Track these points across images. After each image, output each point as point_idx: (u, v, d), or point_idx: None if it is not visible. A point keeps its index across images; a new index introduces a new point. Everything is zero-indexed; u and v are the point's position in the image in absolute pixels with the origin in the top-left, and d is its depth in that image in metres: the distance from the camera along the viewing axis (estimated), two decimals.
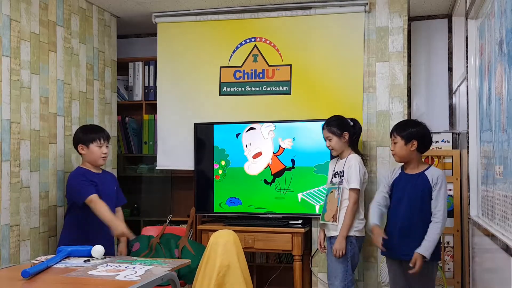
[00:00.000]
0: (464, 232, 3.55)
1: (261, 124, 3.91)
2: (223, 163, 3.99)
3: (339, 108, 3.85)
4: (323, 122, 3.42)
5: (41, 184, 3.34)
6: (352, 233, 3.26)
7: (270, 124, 3.90)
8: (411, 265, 2.83)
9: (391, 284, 3.08)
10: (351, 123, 3.43)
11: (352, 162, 3.33)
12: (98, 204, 3.03)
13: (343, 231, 3.23)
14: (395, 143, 3.02)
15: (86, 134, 3.26)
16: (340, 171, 3.37)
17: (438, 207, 2.89)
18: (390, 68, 3.83)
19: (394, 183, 3.05)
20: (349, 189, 3.28)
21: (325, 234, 3.42)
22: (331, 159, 3.58)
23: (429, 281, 2.93)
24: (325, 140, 3.41)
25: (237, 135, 3.95)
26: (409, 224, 2.92)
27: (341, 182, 3.33)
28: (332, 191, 3.38)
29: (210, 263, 2.93)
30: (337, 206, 3.29)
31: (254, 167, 3.92)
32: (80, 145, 3.26)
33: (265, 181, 3.88)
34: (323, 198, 3.53)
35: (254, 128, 3.93)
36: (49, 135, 3.44)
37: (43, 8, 3.41)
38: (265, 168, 3.89)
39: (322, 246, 3.45)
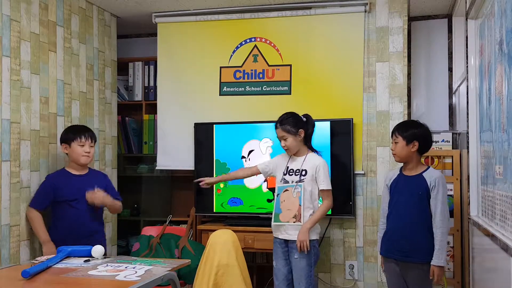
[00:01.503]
0: (464, 232, 3.55)
1: (259, 140, 3.90)
2: None
3: (339, 108, 3.86)
4: (275, 122, 3.22)
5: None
6: (314, 237, 3.13)
7: (268, 140, 3.89)
8: (430, 277, 2.87)
9: (389, 285, 3.08)
10: (304, 119, 3.23)
11: (318, 162, 3.17)
12: (32, 218, 3.18)
13: (309, 224, 3.06)
14: (396, 143, 3.00)
15: (68, 133, 3.30)
16: (299, 169, 3.17)
17: (437, 211, 2.88)
18: (390, 68, 3.83)
19: (392, 184, 3.05)
20: (322, 190, 3.14)
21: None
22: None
23: (427, 283, 2.92)
24: (280, 140, 3.22)
25: (242, 157, 3.95)
26: (409, 226, 2.92)
27: (301, 181, 3.14)
28: (287, 190, 3.17)
29: (209, 262, 2.93)
30: (300, 205, 3.11)
31: (253, 181, 3.90)
32: (63, 144, 3.30)
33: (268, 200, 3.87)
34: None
35: (254, 150, 3.93)
36: (49, 135, 3.44)
37: (43, 8, 3.41)
38: (263, 181, 3.89)
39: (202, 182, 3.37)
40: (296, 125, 3.17)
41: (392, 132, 3.05)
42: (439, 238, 2.87)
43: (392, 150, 3.05)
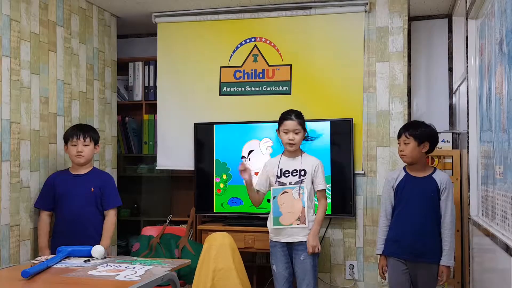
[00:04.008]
0: (464, 232, 3.55)
1: (259, 140, 3.90)
2: (224, 176, 3.98)
3: (339, 108, 3.86)
4: (288, 113, 3.17)
5: (41, 184, 3.33)
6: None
7: (268, 140, 3.89)
8: (439, 278, 2.91)
9: (394, 285, 3.07)
10: None
11: (316, 161, 3.16)
12: (38, 222, 3.25)
13: (318, 227, 3.10)
14: (406, 143, 2.97)
15: (66, 134, 3.32)
16: (296, 170, 3.15)
17: (447, 213, 2.91)
18: (390, 68, 3.83)
19: (399, 186, 3.02)
20: (320, 190, 3.14)
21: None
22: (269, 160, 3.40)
23: (434, 282, 2.94)
24: (286, 132, 3.14)
25: (242, 157, 3.94)
26: (422, 227, 2.92)
27: (302, 181, 3.12)
28: (285, 192, 3.14)
29: (205, 267, 2.91)
30: (303, 207, 3.07)
31: (253, 181, 3.90)
32: (64, 145, 3.32)
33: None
34: None
35: (254, 150, 3.93)
36: (49, 135, 3.44)
37: (43, 8, 3.41)
38: None
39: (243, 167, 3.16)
40: (304, 124, 3.19)
41: (401, 133, 3.02)
42: (449, 238, 2.90)
43: (401, 151, 3.00)
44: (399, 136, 3.03)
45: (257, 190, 3.28)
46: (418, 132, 2.96)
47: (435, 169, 3.01)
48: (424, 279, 2.93)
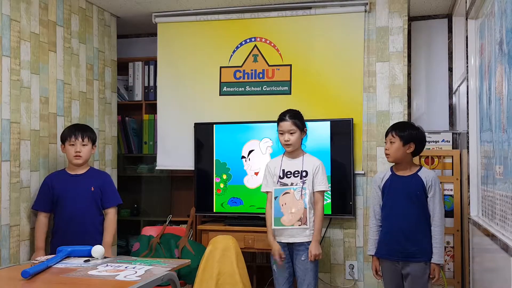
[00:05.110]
0: (464, 232, 3.55)
1: (259, 140, 3.90)
2: (224, 176, 3.98)
3: (339, 108, 3.86)
4: (283, 114, 3.17)
5: (41, 184, 3.33)
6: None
7: (268, 140, 3.89)
8: (431, 276, 2.89)
9: (386, 285, 3.07)
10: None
11: (317, 163, 3.15)
12: (36, 223, 3.23)
13: (318, 236, 3.08)
14: (391, 142, 2.98)
15: (63, 133, 3.30)
16: (298, 171, 3.14)
17: (436, 211, 2.90)
18: (390, 68, 3.83)
19: (385, 186, 3.03)
20: (318, 191, 3.12)
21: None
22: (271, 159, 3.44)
23: (425, 282, 2.93)
24: (281, 133, 3.14)
25: (242, 157, 3.94)
26: (410, 226, 2.91)
27: (304, 182, 3.11)
28: (287, 192, 3.13)
29: (208, 270, 2.91)
30: (305, 208, 3.07)
31: (253, 181, 3.91)
32: (61, 144, 3.32)
33: None
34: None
35: (254, 150, 3.92)
36: (49, 135, 3.44)
37: (43, 8, 3.41)
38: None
39: (282, 257, 3.12)
40: (302, 122, 3.18)
41: (388, 132, 3.03)
42: (438, 236, 2.88)
43: (386, 149, 3.02)
44: (386, 134, 3.05)
45: (266, 191, 3.26)
46: (405, 133, 2.96)
47: (421, 167, 3.01)
48: (415, 279, 2.92)
